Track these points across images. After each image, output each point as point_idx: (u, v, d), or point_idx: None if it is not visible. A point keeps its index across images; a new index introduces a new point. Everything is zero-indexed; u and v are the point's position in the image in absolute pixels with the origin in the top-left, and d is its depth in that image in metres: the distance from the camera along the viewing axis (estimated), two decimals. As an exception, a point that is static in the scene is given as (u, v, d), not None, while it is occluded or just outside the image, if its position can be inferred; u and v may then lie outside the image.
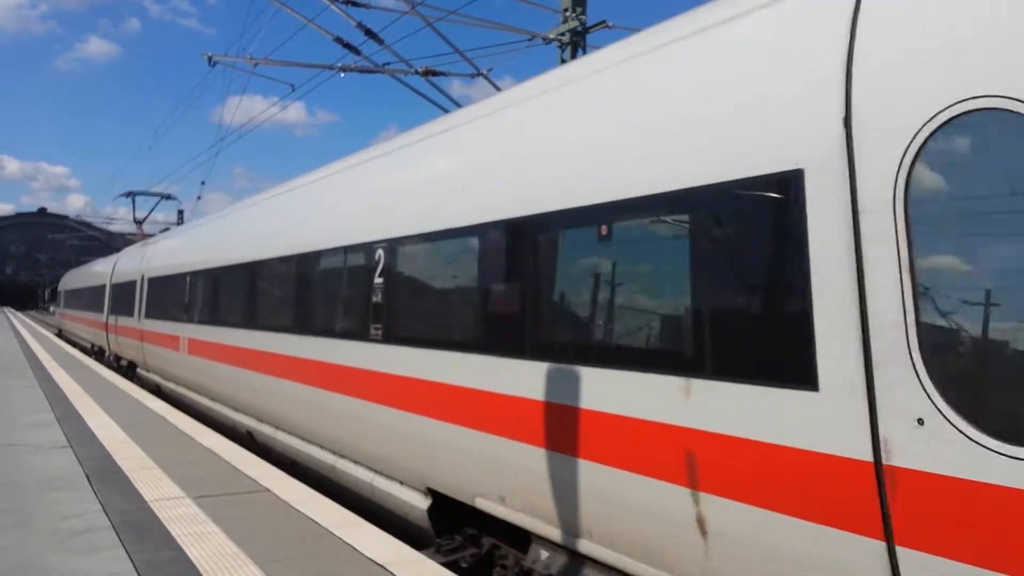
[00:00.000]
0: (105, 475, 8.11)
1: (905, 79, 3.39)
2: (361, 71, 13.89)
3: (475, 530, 6.68)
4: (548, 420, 5.33)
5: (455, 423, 6.32)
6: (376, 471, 7.94)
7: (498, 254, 6.16)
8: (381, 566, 5.38)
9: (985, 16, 3.21)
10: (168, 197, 33.73)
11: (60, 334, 43.24)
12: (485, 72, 13.79)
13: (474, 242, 6.41)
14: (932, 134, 3.24)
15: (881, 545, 3.37)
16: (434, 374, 6.67)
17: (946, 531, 3.15)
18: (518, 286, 5.84)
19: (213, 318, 13.69)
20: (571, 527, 5.27)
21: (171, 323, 16.58)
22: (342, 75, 14.14)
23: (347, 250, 8.60)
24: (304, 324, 9.60)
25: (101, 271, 30.21)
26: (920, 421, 3.23)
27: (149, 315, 19.07)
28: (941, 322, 3.29)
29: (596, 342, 5.19)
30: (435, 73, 13.33)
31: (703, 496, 4.21)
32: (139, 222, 33.83)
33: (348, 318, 8.58)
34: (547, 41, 14.74)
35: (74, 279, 43.56)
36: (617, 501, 4.84)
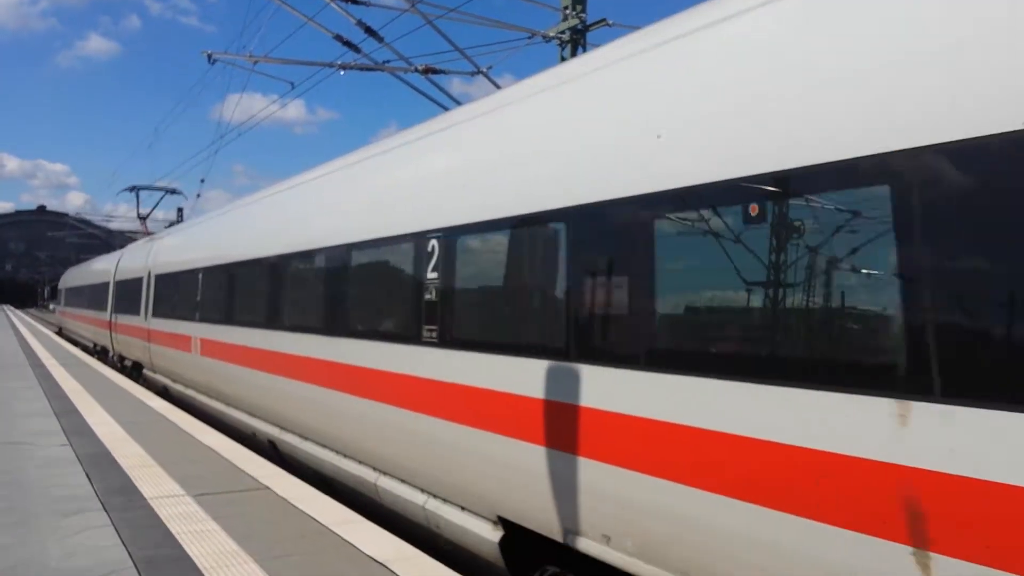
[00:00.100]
0: (104, 473, 8.12)
1: None
2: (361, 69, 13.88)
3: (559, 569, 5.57)
4: (687, 449, 4.23)
5: (541, 444, 5.24)
6: (430, 493, 6.84)
7: (605, 244, 5.05)
8: (381, 564, 5.38)
9: None
10: (173, 191, 32.30)
11: (61, 332, 42.78)
12: (485, 70, 13.79)
13: (560, 231, 5.37)
14: None
15: None
16: (511, 385, 5.59)
17: None
18: (638, 282, 4.72)
19: (230, 317, 12.60)
20: None
21: (182, 322, 15.52)
22: (342, 73, 14.14)
23: (395, 241, 7.53)
24: (340, 325, 8.55)
25: (104, 268, 29.06)
26: None
27: (157, 314, 18.06)
28: None
29: (775, 352, 3.96)
30: (435, 71, 13.33)
31: (938, 559, 3.12)
32: (143, 217, 32.29)
33: (394, 318, 7.64)
34: (547, 39, 14.73)
35: (75, 276, 42.34)
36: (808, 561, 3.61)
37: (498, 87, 10.93)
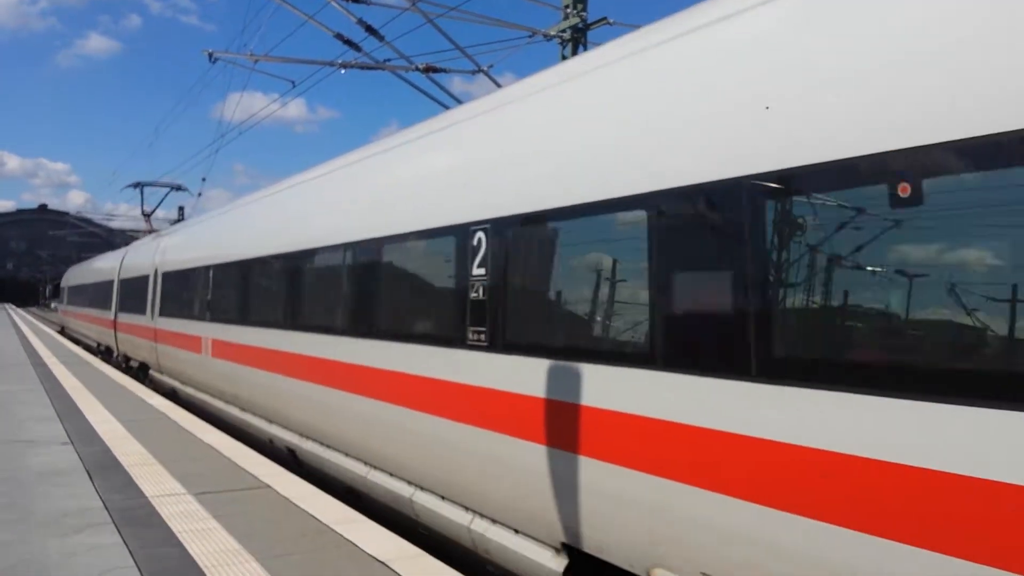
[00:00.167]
0: (106, 471, 8.12)
1: None
2: (362, 67, 13.88)
3: None
4: (825, 475, 3.54)
5: (631, 468, 4.60)
6: (477, 512, 6.24)
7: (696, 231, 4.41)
8: (382, 563, 5.38)
9: None
10: (178, 188, 31.55)
11: (63, 332, 42.33)
12: (486, 69, 13.78)
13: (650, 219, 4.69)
14: None
15: None
16: (593, 397, 4.90)
17: None
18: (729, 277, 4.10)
19: (244, 317, 11.88)
20: None
21: (192, 322, 14.71)
22: (343, 72, 14.13)
23: (434, 234, 6.82)
24: (369, 326, 7.84)
25: (108, 266, 28.18)
26: None
27: (164, 313, 17.24)
28: None
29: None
30: (436, 70, 13.32)
31: None
32: (147, 214, 31.71)
33: (432, 319, 6.98)
34: (548, 38, 14.72)
35: (78, 274, 41.31)
36: None
37: (499, 85, 10.92)
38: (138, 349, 20.47)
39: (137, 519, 6.40)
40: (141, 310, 19.57)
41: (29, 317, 62.72)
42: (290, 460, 9.90)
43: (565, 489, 5.10)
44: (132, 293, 21.42)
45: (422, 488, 6.98)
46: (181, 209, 32.71)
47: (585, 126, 5.41)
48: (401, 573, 5.19)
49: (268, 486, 7.59)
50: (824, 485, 3.51)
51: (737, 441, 3.93)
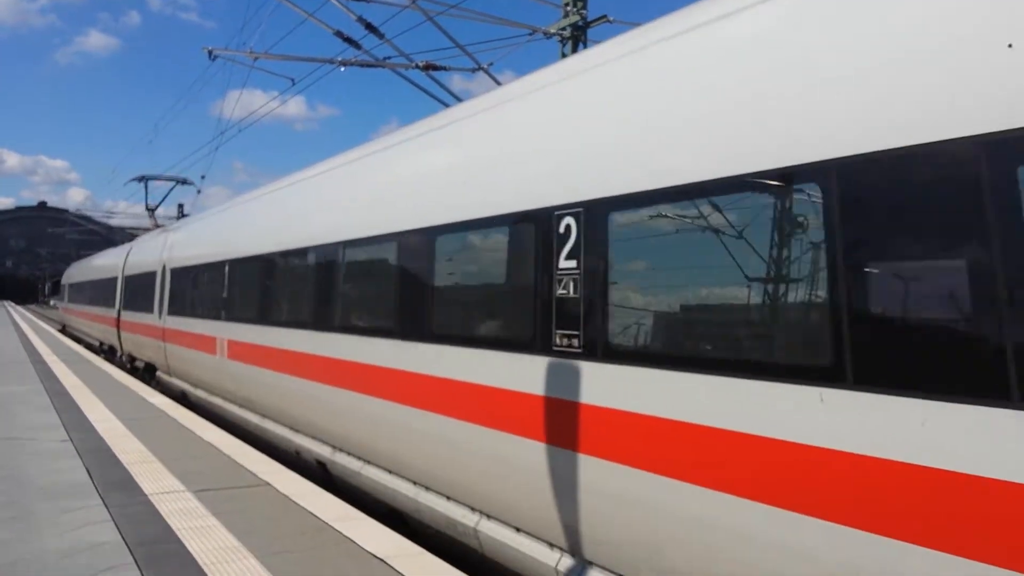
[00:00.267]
0: (105, 468, 8.12)
1: None
2: (362, 65, 13.88)
3: None
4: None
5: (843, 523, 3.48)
6: (564, 550, 5.30)
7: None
8: (381, 560, 5.39)
9: None
10: (184, 182, 30.57)
11: (64, 330, 41.89)
12: (486, 67, 13.78)
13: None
14: None
15: None
16: (741, 421, 3.94)
17: None
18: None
19: (266, 316, 10.88)
20: None
21: (205, 321, 13.73)
22: (342, 69, 14.13)
23: (505, 221, 5.94)
24: (422, 327, 6.87)
25: (112, 262, 27.12)
26: None
27: (174, 311, 16.28)
28: None
29: None
30: (436, 67, 13.32)
31: None
32: (151, 209, 30.75)
33: (503, 320, 6.05)
34: (548, 36, 14.72)
35: (80, 271, 40.16)
36: None
37: (499, 83, 10.93)
38: (144, 349, 19.64)
39: (136, 516, 6.40)
40: (148, 308, 18.75)
41: (29, 315, 62.71)
42: (320, 474, 9.00)
43: (698, 528, 4.16)
44: (138, 290, 20.59)
45: (490, 516, 6.07)
46: (180, 207, 32.36)
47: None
48: (400, 570, 5.19)
49: (267, 483, 7.60)
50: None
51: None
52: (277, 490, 7.35)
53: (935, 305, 3.33)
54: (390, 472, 7.53)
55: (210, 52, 15.69)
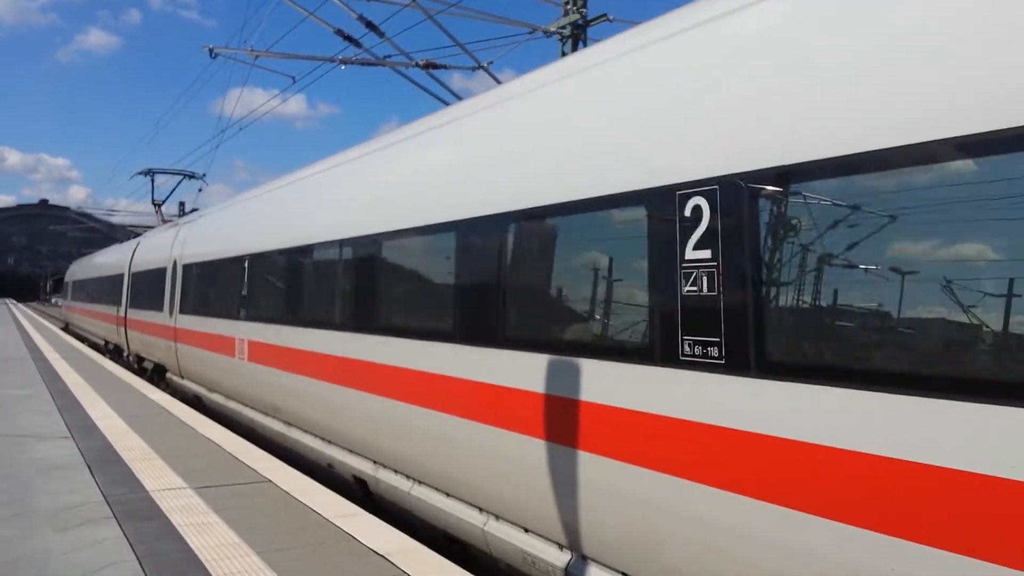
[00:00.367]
0: (106, 465, 8.16)
1: None
2: (362, 64, 13.91)
3: None
4: None
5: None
6: None
7: None
8: (382, 556, 5.42)
9: None
10: (191, 176, 29.84)
11: (67, 328, 41.33)
12: (486, 65, 13.81)
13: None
14: None
15: None
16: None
17: None
18: None
19: (293, 316, 9.96)
20: None
21: (221, 321, 12.83)
22: (343, 68, 14.15)
23: (604, 205, 5.00)
24: (495, 332, 5.93)
25: (118, 259, 26.19)
26: None
27: (186, 310, 15.42)
28: None
29: None
30: (436, 66, 13.35)
31: None
32: (158, 204, 29.97)
33: (605, 321, 5.10)
34: (548, 34, 14.74)
35: (84, 268, 39.21)
36: None
37: (499, 82, 10.95)
38: (153, 349, 18.73)
39: (138, 513, 6.43)
40: (157, 306, 17.91)
41: (30, 312, 62.75)
42: (358, 492, 8.17)
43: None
44: (146, 288, 19.68)
45: (585, 556, 5.13)
46: (181, 204, 32.13)
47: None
48: (401, 566, 5.22)
49: (269, 480, 7.63)
50: None
51: None
52: (278, 487, 7.38)
53: None
54: (448, 495, 6.68)
55: (211, 50, 15.71)
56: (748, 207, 4.01)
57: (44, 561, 5.27)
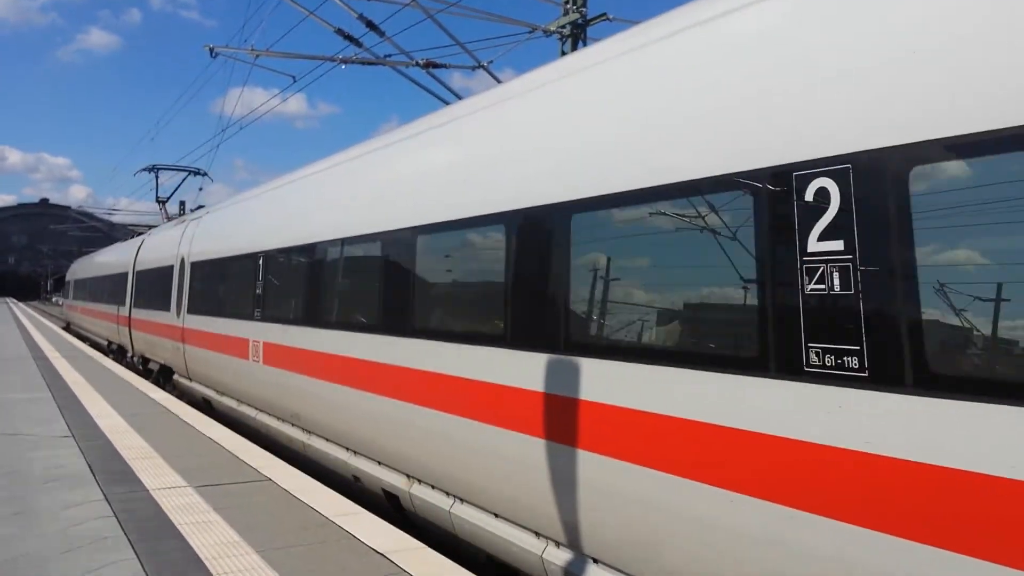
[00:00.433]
0: (106, 464, 8.16)
1: None
2: (362, 63, 13.92)
3: None
4: None
5: None
6: None
7: None
8: (382, 554, 5.43)
9: None
10: (197, 172, 29.08)
11: (68, 328, 40.88)
12: (486, 64, 13.82)
13: None
14: None
15: None
16: None
17: None
18: None
19: (316, 317, 9.27)
20: None
21: (234, 321, 12.20)
22: (343, 67, 14.17)
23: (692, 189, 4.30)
24: (568, 335, 5.16)
25: (122, 257, 25.61)
26: None
27: (195, 309, 14.78)
28: None
29: None
30: (436, 65, 13.36)
31: None
32: (162, 201, 29.41)
33: (699, 323, 4.38)
34: (548, 33, 14.75)
35: (86, 267, 38.44)
36: None
37: (499, 81, 10.95)
38: (159, 350, 18.10)
39: (138, 512, 6.44)
40: (163, 306, 17.29)
41: (31, 311, 62.78)
42: (389, 508, 7.60)
43: None
44: (151, 286, 19.08)
45: None
46: (182, 203, 31.98)
47: None
48: (401, 565, 5.23)
49: (269, 479, 7.64)
50: None
51: None
52: (278, 485, 7.40)
53: None
54: (496, 516, 6.01)
55: (211, 50, 15.72)
56: (892, 188, 3.37)
57: (44, 560, 5.27)
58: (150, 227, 29.32)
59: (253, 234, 12.19)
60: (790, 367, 3.66)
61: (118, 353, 24.64)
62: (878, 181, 3.40)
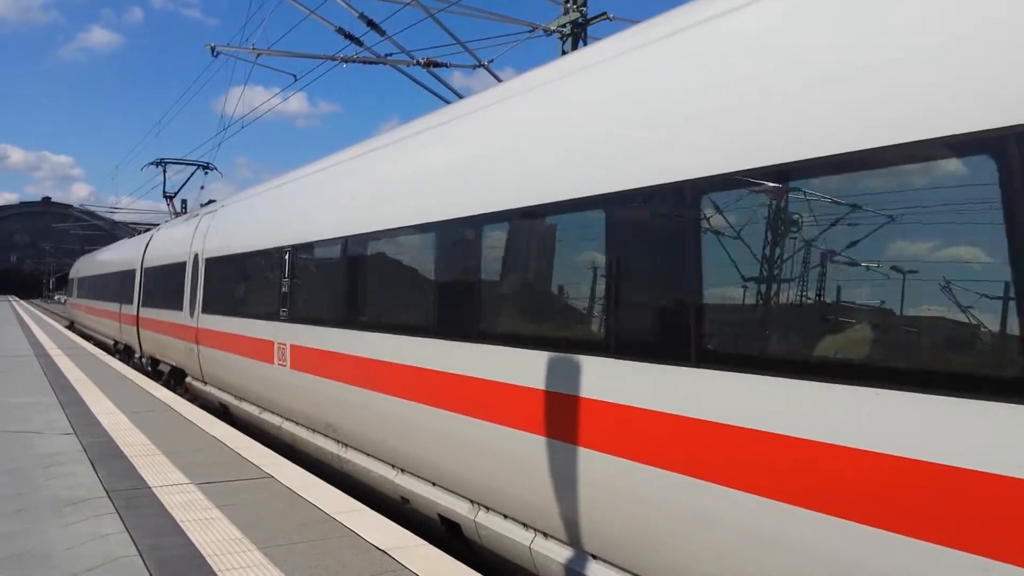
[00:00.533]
0: (109, 461, 8.20)
1: None
2: (363, 62, 13.96)
3: None
4: None
5: None
6: None
7: None
8: (383, 551, 5.46)
9: None
10: (206, 167, 28.23)
11: (72, 327, 40.24)
12: (486, 63, 13.85)
13: None
14: None
15: None
16: None
17: None
18: None
19: (355, 318, 8.29)
20: None
21: (256, 322, 11.23)
22: (344, 66, 14.20)
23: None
24: (690, 343, 4.24)
25: (129, 254, 24.78)
26: None
27: (210, 309, 13.83)
28: None
29: None
30: (436, 64, 13.41)
31: None
32: (170, 196, 28.98)
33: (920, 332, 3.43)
34: (548, 33, 14.78)
35: (91, 264, 37.35)
36: None
37: (499, 80, 10.98)
38: (170, 351, 17.19)
39: (140, 508, 6.47)
40: (175, 304, 16.27)
41: (33, 309, 62.87)
42: (446, 536, 6.73)
43: None
44: (162, 284, 18.17)
45: None
46: (184, 202, 31.90)
47: None
48: (402, 561, 5.26)
49: (271, 476, 7.68)
50: None
51: None
52: (280, 482, 7.43)
53: None
54: (594, 557, 5.07)
55: (213, 49, 15.75)
56: None
57: (47, 556, 5.31)
58: (152, 225, 29.14)
59: (278, 227, 11.09)
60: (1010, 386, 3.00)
61: (125, 353, 24.04)
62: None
